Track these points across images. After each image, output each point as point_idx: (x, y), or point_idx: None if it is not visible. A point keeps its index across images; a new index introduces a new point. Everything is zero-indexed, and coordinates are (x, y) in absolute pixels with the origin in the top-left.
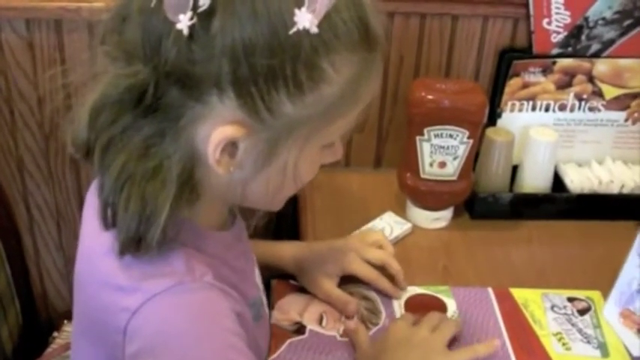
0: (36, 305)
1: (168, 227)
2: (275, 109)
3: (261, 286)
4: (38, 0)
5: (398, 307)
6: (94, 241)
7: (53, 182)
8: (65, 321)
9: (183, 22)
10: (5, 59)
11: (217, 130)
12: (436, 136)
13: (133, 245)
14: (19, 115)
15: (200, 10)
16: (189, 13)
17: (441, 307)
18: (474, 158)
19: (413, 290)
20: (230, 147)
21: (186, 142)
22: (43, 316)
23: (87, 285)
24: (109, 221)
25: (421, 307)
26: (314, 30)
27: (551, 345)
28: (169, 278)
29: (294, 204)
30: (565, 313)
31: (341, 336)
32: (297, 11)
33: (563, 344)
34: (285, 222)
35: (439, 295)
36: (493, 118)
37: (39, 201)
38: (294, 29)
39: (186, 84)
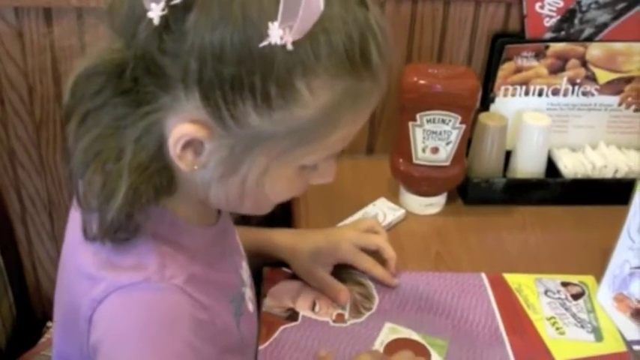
0: (29, 296)
1: (136, 214)
2: (240, 118)
3: (247, 281)
4: None
5: (379, 344)
6: (75, 231)
7: (45, 172)
8: None
9: (155, 12)
10: None
11: (179, 126)
12: (428, 121)
13: (97, 227)
14: (9, 104)
15: (173, 2)
16: (162, 3)
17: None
18: (467, 144)
19: (405, 333)
20: (197, 145)
21: (154, 130)
22: (36, 307)
23: (65, 273)
24: (80, 201)
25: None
26: (289, 47)
27: (544, 329)
28: (137, 273)
29: None
30: (559, 298)
31: (334, 321)
32: (270, 24)
33: (557, 329)
34: (278, 208)
35: (431, 349)
36: (486, 103)
37: (31, 191)
38: (265, 42)
39: (156, 72)
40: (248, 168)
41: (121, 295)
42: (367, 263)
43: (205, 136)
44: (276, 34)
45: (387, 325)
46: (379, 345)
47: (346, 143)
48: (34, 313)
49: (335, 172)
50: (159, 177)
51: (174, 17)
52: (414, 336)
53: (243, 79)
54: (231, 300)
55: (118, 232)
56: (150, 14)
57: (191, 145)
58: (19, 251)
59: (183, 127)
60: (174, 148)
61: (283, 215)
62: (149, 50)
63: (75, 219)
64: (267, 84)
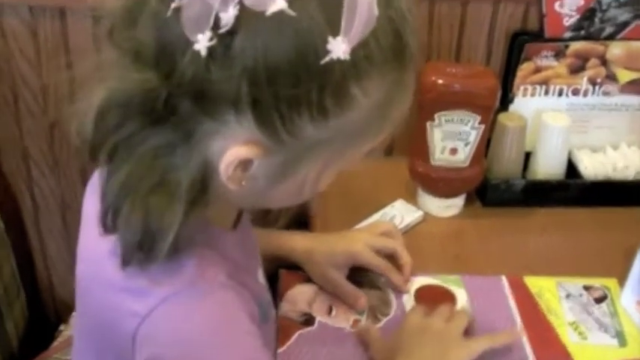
0: (42, 297)
1: (181, 234)
2: (296, 132)
3: (265, 284)
4: None
5: (407, 297)
6: (97, 242)
7: (59, 171)
8: (73, 313)
9: (202, 43)
10: (8, 45)
11: (232, 149)
12: (447, 121)
13: (138, 257)
14: (23, 102)
15: (222, 30)
16: (209, 33)
17: (451, 298)
18: (486, 144)
19: (422, 281)
20: (245, 163)
21: (197, 157)
22: (49, 308)
23: (91, 288)
24: (109, 228)
25: (431, 297)
26: (347, 58)
27: (567, 334)
28: (181, 281)
29: None
30: (581, 302)
31: (351, 327)
32: (331, 39)
33: (580, 333)
34: (295, 211)
35: (449, 286)
36: (505, 103)
37: (44, 190)
38: (327, 59)
39: (201, 101)
40: (306, 173)
41: (171, 306)
42: (383, 265)
43: (260, 155)
44: (340, 48)
45: None
46: (408, 296)
47: (393, 130)
48: (47, 316)
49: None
50: (199, 201)
51: (220, 44)
52: (432, 280)
53: (300, 96)
54: (260, 304)
55: (161, 256)
56: (197, 46)
57: (240, 165)
58: (32, 252)
59: (236, 150)
60: (226, 171)
61: (300, 217)
62: (194, 80)
63: (89, 231)
64: (323, 96)
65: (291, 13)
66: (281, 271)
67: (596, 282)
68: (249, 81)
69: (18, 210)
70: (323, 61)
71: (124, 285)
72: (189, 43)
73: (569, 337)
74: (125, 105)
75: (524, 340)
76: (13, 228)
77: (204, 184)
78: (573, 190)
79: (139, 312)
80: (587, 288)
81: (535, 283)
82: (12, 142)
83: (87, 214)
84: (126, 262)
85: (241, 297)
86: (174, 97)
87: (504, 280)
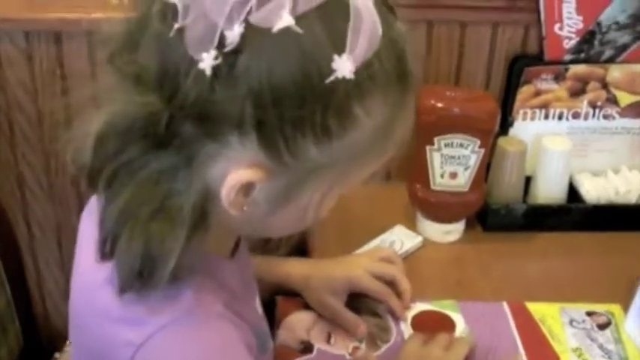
0: (37, 325)
1: (179, 262)
2: (299, 154)
3: (262, 314)
4: (37, 11)
5: (404, 325)
6: (91, 271)
7: (54, 198)
8: (67, 341)
9: (207, 62)
10: (3, 72)
11: (234, 172)
12: (447, 145)
13: (136, 284)
14: (18, 129)
15: (227, 49)
16: (214, 52)
17: (449, 324)
18: (486, 169)
19: (419, 307)
20: (246, 187)
21: (199, 181)
22: (44, 337)
23: (84, 317)
24: (106, 255)
25: (428, 324)
26: (351, 77)
27: None
28: (177, 309)
29: None
30: (584, 328)
31: (350, 354)
32: (336, 57)
33: None
34: (296, 239)
35: (446, 311)
36: (505, 127)
37: (40, 218)
38: (332, 78)
39: (204, 122)
40: (309, 197)
41: (167, 335)
42: (382, 291)
43: (262, 178)
44: (346, 66)
45: None
46: (404, 324)
47: (394, 152)
48: (41, 344)
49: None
50: (203, 222)
51: (225, 63)
52: (427, 306)
53: (304, 116)
54: (258, 335)
55: (160, 283)
56: (201, 65)
57: (241, 189)
58: (27, 279)
59: (238, 174)
60: (228, 195)
61: (297, 243)
62: (197, 102)
63: (84, 259)
64: (327, 116)
65: (298, 30)
66: (278, 298)
67: (599, 308)
68: (253, 101)
69: (13, 237)
70: (328, 80)
71: (119, 314)
72: (193, 63)
73: None
74: (126, 130)
75: None
76: (7, 255)
77: (205, 210)
78: (575, 215)
79: (134, 341)
80: (590, 314)
81: (537, 309)
82: (7, 168)
83: (82, 240)
84: (123, 289)
85: (238, 327)
86: (177, 120)
87: (506, 306)
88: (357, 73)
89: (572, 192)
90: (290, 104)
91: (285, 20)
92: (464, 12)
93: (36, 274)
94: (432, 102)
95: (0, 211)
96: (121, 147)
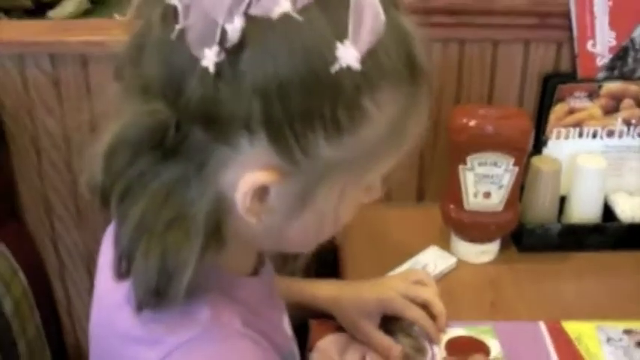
0: (68, 354)
1: (194, 279)
2: (311, 152)
3: (291, 336)
4: (61, 35)
5: (438, 350)
6: (109, 292)
7: (83, 225)
8: None
9: (209, 58)
10: (30, 96)
11: (247, 175)
12: (480, 164)
13: (153, 301)
14: (45, 155)
15: (229, 44)
16: (216, 48)
17: (484, 350)
18: (520, 188)
19: (454, 332)
20: (261, 192)
21: (211, 189)
22: None
23: (103, 338)
24: (123, 272)
25: (463, 349)
26: (356, 67)
27: None
28: (194, 327)
29: (333, 242)
30: (622, 346)
31: None
32: (339, 45)
33: None
34: (325, 260)
35: (482, 337)
36: (539, 146)
37: (69, 245)
38: (337, 67)
39: (212, 125)
40: (325, 200)
41: (184, 354)
42: (416, 313)
43: (276, 180)
44: (349, 54)
45: None
46: (437, 350)
47: (408, 152)
48: None
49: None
50: (214, 237)
51: (228, 60)
52: (462, 332)
53: (312, 110)
54: (284, 355)
55: (176, 300)
56: (204, 63)
57: (256, 194)
58: (58, 308)
59: (252, 177)
60: (243, 201)
61: (330, 266)
62: (204, 104)
63: (102, 280)
64: (336, 110)
65: (298, 18)
66: (311, 322)
67: (637, 326)
68: (260, 98)
69: (42, 265)
70: (333, 69)
71: (138, 334)
72: (196, 63)
73: None
74: (135, 141)
75: None
76: (37, 284)
77: (220, 219)
78: (610, 234)
79: None
80: (627, 332)
81: (574, 328)
82: (34, 195)
83: (102, 264)
84: (140, 307)
85: (258, 345)
86: (185, 126)
87: (542, 325)
88: (363, 63)
89: (607, 211)
90: (297, 98)
91: (283, 6)
92: (495, 30)
93: (66, 301)
94: (465, 121)
95: (28, 239)
96: (131, 160)
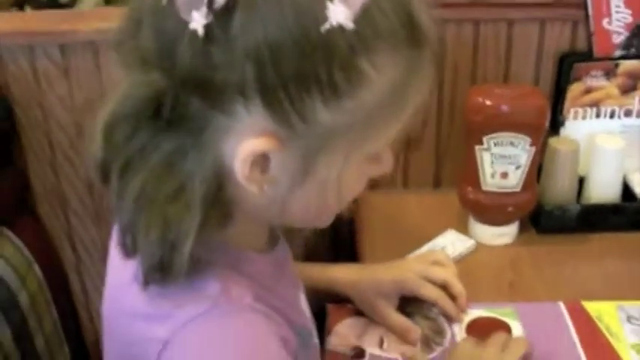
0: (88, 351)
1: (199, 252)
2: (309, 116)
3: (308, 314)
4: (71, 23)
5: (459, 330)
6: (119, 272)
7: (99, 219)
8: None
9: (198, 21)
10: (41, 88)
11: (245, 143)
12: (496, 144)
13: (158, 275)
14: (58, 147)
15: (216, 6)
16: (204, 10)
17: (506, 329)
18: (538, 170)
19: (475, 313)
20: (261, 161)
21: (211, 159)
22: None
23: (114, 319)
24: (129, 249)
25: (484, 330)
26: (349, 26)
27: (629, 357)
28: (203, 302)
29: (350, 228)
30: None
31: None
32: (329, 4)
33: None
34: (343, 246)
35: (504, 319)
36: (556, 127)
37: (85, 239)
38: (327, 26)
39: (207, 93)
40: (325, 167)
41: (194, 329)
42: (434, 293)
43: (275, 147)
44: (339, 11)
45: None
46: (459, 330)
47: (411, 121)
48: None
49: (392, 161)
50: (221, 208)
51: (218, 24)
52: (484, 313)
53: (307, 73)
54: (299, 332)
55: (182, 273)
56: (192, 25)
57: (257, 162)
58: (75, 304)
59: (250, 144)
60: (242, 169)
61: (348, 252)
62: (196, 70)
63: (114, 263)
64: (332, 71)
65: None
66: (328, 306)
67: None
68: (252, 62)
69: (58, 260)
70: (324, 29)
71: (146, 311)
72: (185, 27)
73: None
74: (133, 113)
75: None
76: (53, 278)
77: (221, 189)
78: (630, 214)
79: (160, 337)
80: None
81: (594, 308)
82: (49, 190)
83: (112, 246)
84: (146, 282)
85: (271, 320)
86: (182, 95)
87: (562, 305)
88: (356, 23)
89: (626, 192)
90: (289, 60)
91: None
92: (510, 10)
93: (83, 296)
94: (480, 100)
95: (44, 233)
96: (130, 134)
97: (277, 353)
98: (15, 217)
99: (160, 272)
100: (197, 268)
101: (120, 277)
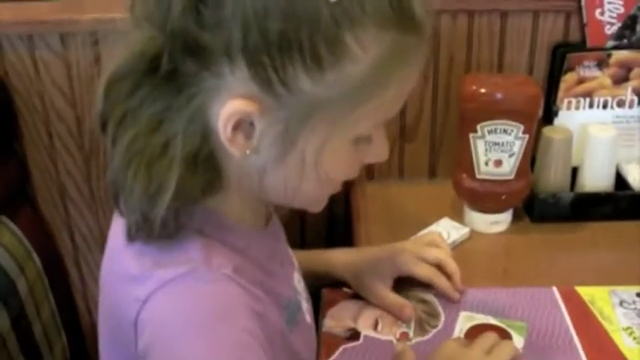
0: (84, 340)
1: (180, 212)
2: (291, 84)
3: (301, 291)
4: (71, 12)
5: (459, 333)
6: (117, 238)
7: (97, 208)
8: None
9: None
10: (41, 78)
11: (228, 104)
12: (490, 132)
13: (142, 231)
14: (57, 137)
15: None
16: None
17: (505, 336)
18: (532, 161)
19: (482, 319)
20: (247, 127)
21: (198, 119)
22: (92, 352)
23: (108, 284)
24: (119, 202)
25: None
26: None
27: (621, 339)
28: (182, 265)
29: (347, 218)
30: (635, 308)
31: (398, 340)
32: None
33: (634, 338)
34: (339, 236)
35: (510, 330)
36: (550, 117)
37: (83, 229)
38: None
39: (197, 52)
40: (305, 142)
41: (167, 290)
42: (429, 272)
43: (256, 111)
44: None
45: (463, 314)
46: (458, 333)
47: (398, 108)
48: (89, 358)
49: (388, 149)
50: (205, 171)
51: None
52: (492, 320)
53: (290, 39)
54: (285, 307)
55: (163, 231)
56: None
57: (241, 126)
58: (73, 294)
59: (232, 104)
60: (224, 129)
61: (343, 241)
62: (186, 27)
63: (116, 227)
64: (315, 41)
65: None
66: (324, 290)
67: None
68: (239, 24)
69: (56, 249)
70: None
71: (132, 273)
72: None
73: (624, 342)
74: (133, 71)
75: (578, 346)
76: (51, 267)
77: (204, 150)
78: (623, 202)
79: (140, 297)
80: None
81: (587, 292)
82: (48, 179)
83: (114, 217)
84: (130, 237)
85: (248, 293)
86: (176, 52)
87: (555, 290)
88: None
89: (620, 182)
90: (274, 25)
91: None
92: (504, 1)
93: (81, 285)
94: (474, 88)
95: (42, 223)
96: (130, 89)
97: (244, 326)
98: (14, 206)
99: (143, 228)
100: (183, 233)
101: (117, 243)
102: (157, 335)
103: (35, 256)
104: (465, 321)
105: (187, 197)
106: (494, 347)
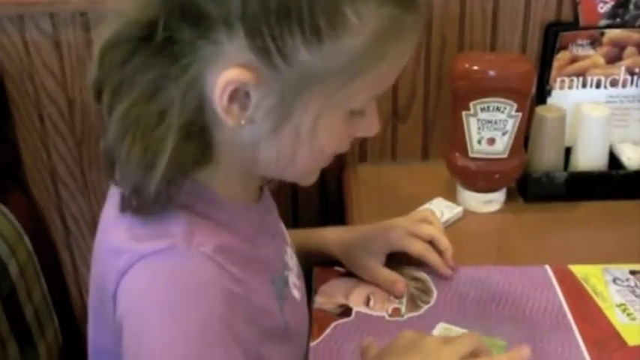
0: (76, 323)
1: (172, 186)
2: (289, 54)
3: (294, 267)
4: None
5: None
6: (108, 215)
7: (89, 191)
8: None
9: None
10: (31, 60)
11: (224, 72)
12: (483, 109)
13: (134, 201)
14: (49, 120)
15: None
16: None
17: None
18: (525, 140)
19: (459, 332)
20: (242, 97)
21: (194, 88)
22: (84, 335)
23: (96, 259)
24: (114, 171)
25: None
26: None
27: (615, 316)
28: (163, 240)
29: (340, 201)
30: (628, 285)
31: (390, 316)
32: None
33: (628, 314)
34: (332, 218)
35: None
36: (543, 97)
37: (75, 212)
38: None
39: (195, 20)
40: (300, 114)
41: (144, 264)
42: (421, 247)
43: (253, 81)
44: None
45: (441, 325)
46: None
47: (392, 81)
48: (81, 342)
49: (379, 123)
50: (199, 142)
51: None
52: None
53: (290, 8)
54: (272, 281)
55: (155, 203)
56: None
57: (237, 96)
58: (65, 277)
59: (229, 73)
60: (220, 99)
61: (337, 222)
62: None
63: (108, 205)
64: (314, 12)
65: None
66: (315, 269)
67: None
68: None
69: (47, 232)
70: None
71: (118, 246)
72: None
73: (617, 318)
74: (128, 39)
75: (571, 322)
76: (42, 251)
77: (199, 120)
78: (617, 182)
79: (120, 269)
80: (633, 272)
81: (580, 270)
82: (39, 162)
83: (110, 193)
84: (122, 207)
85: (227, 274)
86: (172, 20)
87: (549, 268)
88: None
89: (613, 162)
90: None
91: None
92: None
93: (73, 269)
94: (466, 66)
95: (34, 206)
96: (125, 57)
97: (212, 307)
98: (5, 189)
99: (135, 197)
100: (169, 208)
101: (108, 218)
102: (130, 307)
103: (26, 239)
104: (442, 331)
105: (179, 168)
106: (454, 338)
